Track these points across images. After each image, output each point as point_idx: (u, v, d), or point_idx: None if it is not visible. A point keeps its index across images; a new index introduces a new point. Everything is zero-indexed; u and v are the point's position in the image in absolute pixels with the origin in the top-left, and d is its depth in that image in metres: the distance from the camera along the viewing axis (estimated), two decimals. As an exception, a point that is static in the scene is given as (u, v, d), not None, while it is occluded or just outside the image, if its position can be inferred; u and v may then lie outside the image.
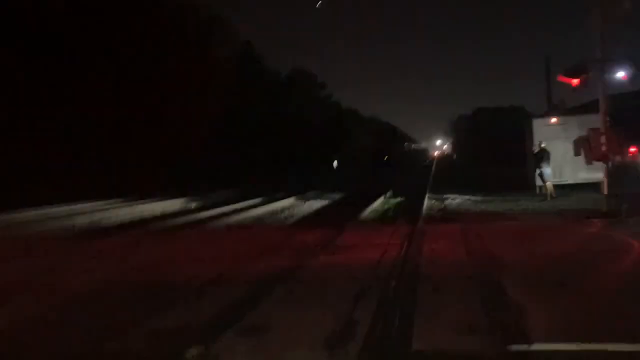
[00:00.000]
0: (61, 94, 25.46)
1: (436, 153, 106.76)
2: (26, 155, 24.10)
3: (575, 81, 11.40)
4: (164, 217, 16.22)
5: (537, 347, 3.84)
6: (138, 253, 9.00)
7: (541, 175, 16.23)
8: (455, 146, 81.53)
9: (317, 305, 5.09)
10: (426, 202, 16.21)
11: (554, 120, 18.48)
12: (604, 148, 10.80)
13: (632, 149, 10.60)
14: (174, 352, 4.02)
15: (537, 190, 17.07)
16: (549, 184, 15.93)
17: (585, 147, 11.19)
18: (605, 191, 11.17)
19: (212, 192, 24.55)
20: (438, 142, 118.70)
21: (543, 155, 16.20)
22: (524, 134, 20.40)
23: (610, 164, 11.05)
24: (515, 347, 3.84)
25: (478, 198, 16.87)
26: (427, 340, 4.05)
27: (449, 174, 35.09)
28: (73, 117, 26.09)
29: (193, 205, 20.26)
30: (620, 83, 10.71)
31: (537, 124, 18.51)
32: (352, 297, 5.23)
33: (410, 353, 3.84)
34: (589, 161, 11.43)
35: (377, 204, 17.30)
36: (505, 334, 4.08)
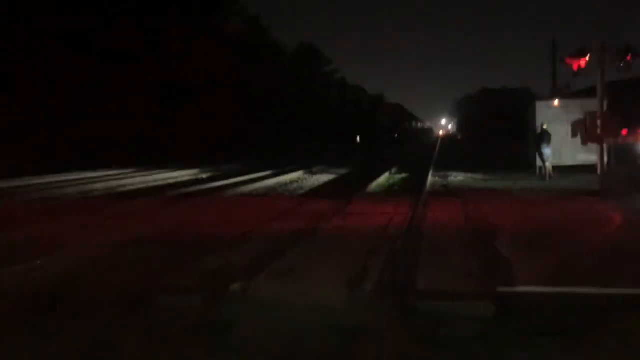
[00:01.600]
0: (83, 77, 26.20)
1: (441, 132, 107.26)
2: (43, 126, 24.91)
3: (578, 64, 12.04)
4: (179, 185, 17.04)
5: (520, 289, 4.68)
6: (164, 214, 9.85)
7: (541, 155, 16.92)
8: (460, 126, 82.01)
9: (335, 256, 5.92)
10: (430, 178, 16.96)
11: (556, 103, 19.07)
12: (599, 131, 11.50)
13: (624, 132, 11.31)
14: (221, 285, 4.87)
15: (537, 171, 17.77)
16: (548, 164, 16.63)
17: (581, 130, 11.90)
18: (599, 171, 11.91)
19: (226, 164, 25.43)
20: (443, 122, 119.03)
21: (544, 137, 16.86)
22: (527, 116, 21.02)
23: (605, 145, 11.77)
24: (501, 289, 4.67)
25: (480, 176, 17.61)
26: (428, 283, 4.88)
27: (453, 153, 35.79)
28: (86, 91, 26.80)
29: (204, 175, 21.09)
30: (617, 69, 11.33)
31: (540, 106, 19.10)
32: (365, 251, 6.07)
33: (414, 290, 4.68)
34: (584, 142, 12.15)
35: (383, 179, 18.09)
36: (494, 280, 4.91)
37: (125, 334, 4.06)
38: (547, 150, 16.73)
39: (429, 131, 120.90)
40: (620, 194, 11.06)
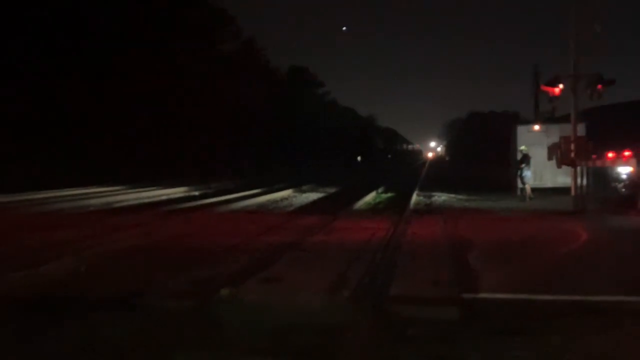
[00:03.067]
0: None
1: (430, 154, 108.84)
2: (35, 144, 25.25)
3: (555, 91, 12.78)
4: (172, 202, 17.43)
5: (483, 295, 5.19)
6: (159, 228, 10.25)
7: (522, 178, 17.59)
8: (449, 148, 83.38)
9: (318, 267, 6.40)
10: (414, 198, 17.52)
11: (536, 127, 19.84)
12: (572, 154, 12.17)
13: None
14: (211, 291, 5.31)
15: (518, 192, 18.41)
16: (527, 186, 17.30)
17: (556, 153, 12.56)
18: (573, 192, 12.54)
19: (218, 182, 25.89)
20: (432, 144, 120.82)
21: (524, 160, 17.57)
22: (510, 139, 21.75)
23: (578, 168, 12.43)
24: (466, 295, 5.17)
25: (463, 197, 18.20)
26: (402, 290, 5.37)
27: (439, 174, 36.53)
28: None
29: (196, 192, 21.48)
30: (589, 97, 12.06)
31: (522, 130, 19.86)
32: (346, 262, 6.55)
33: (388, 296, 5.16)
34: (559, 165, 12.81)
35: (369, 197, 18.63)
36: (461, 287, 5.41)
37: (122, 334, 4.41)
38: (527, 173, 17.40)
39: (418, 153, 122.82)
40: (592, 213, 11.68)
